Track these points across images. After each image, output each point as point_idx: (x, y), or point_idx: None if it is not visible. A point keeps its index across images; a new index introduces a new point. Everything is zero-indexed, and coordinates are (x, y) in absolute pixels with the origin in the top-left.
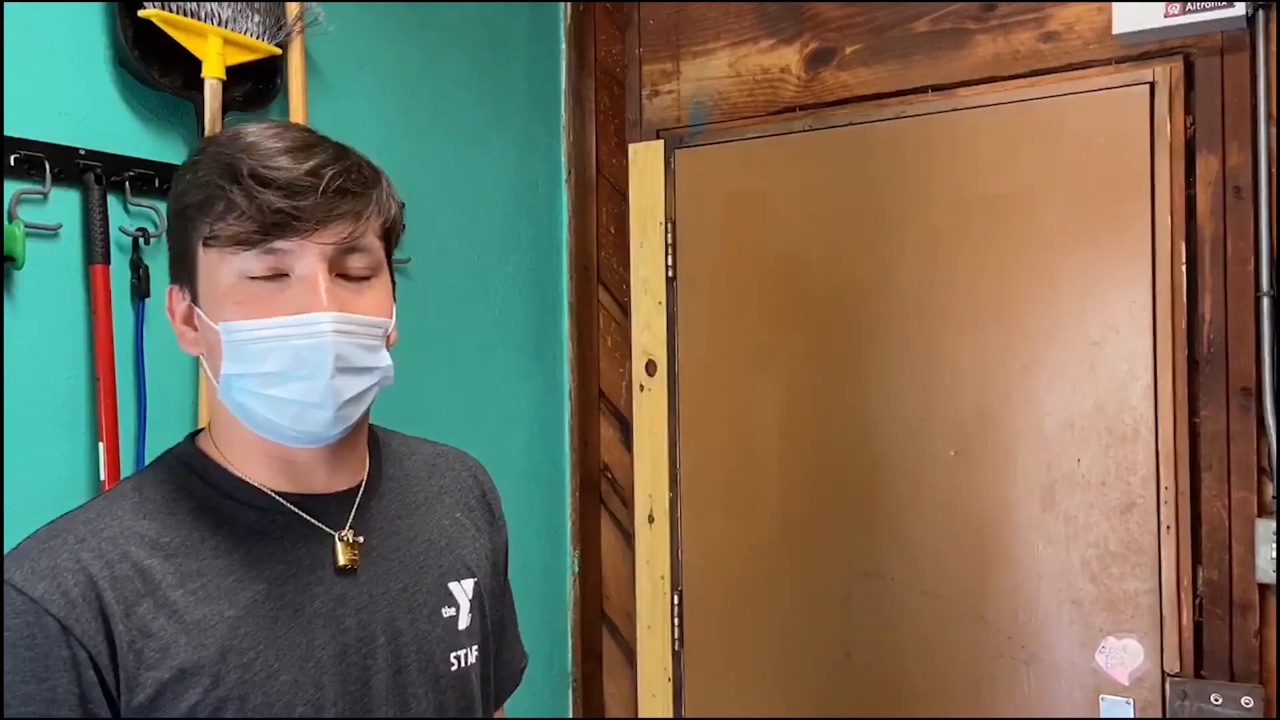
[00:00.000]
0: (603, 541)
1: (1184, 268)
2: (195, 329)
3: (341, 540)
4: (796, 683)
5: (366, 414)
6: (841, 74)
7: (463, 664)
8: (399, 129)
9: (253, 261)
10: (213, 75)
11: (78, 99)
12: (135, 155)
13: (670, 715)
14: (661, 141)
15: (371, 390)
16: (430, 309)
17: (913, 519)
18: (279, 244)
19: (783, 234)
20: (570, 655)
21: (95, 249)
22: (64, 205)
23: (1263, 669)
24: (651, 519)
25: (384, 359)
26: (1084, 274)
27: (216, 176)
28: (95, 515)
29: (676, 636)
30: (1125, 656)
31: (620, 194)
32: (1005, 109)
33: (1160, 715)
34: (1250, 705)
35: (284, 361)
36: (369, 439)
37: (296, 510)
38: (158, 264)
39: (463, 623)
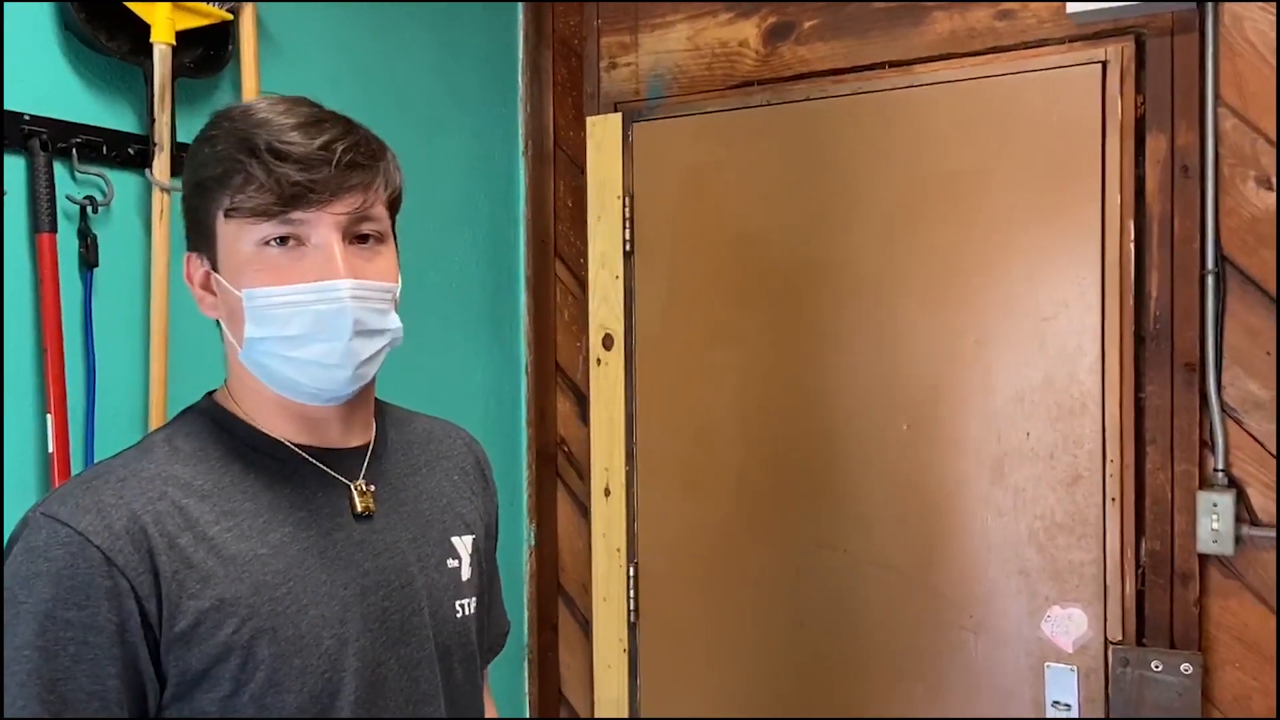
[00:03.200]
0: (559, 515)
1: (1132, 246)
2: (214, 294)
3: (357, 489)
4: (751, 654)
5: (376, 374)
6: (799, 49)
7: (465, 613)
8: (353, 99)
9: (271, 231)
10: (162, 40)
11: (23, 64)
12: (82, 122)
13: (626, 686)
14: (620, 114)
15: (384, 351)
16: None
17: (866, 492)
18: (296, 214)
19: (741, 209)
20: (526, 627)
21: (41, 217)
22: (8, 172)
23: (1202, 636)
24: (608, 492)
25: (394, 321)
26: (1036, 251)
27: (235, 151)
28: (131, 460)
29: (632, 609)
30: (1070, 625)
31: (578, 167)
32: (961, 86)
33: (1103, 682)
34: (1189, 671)
35: (305, 325)
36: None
37: (315, 461)
38: (107, 233)
39: (464, 574)
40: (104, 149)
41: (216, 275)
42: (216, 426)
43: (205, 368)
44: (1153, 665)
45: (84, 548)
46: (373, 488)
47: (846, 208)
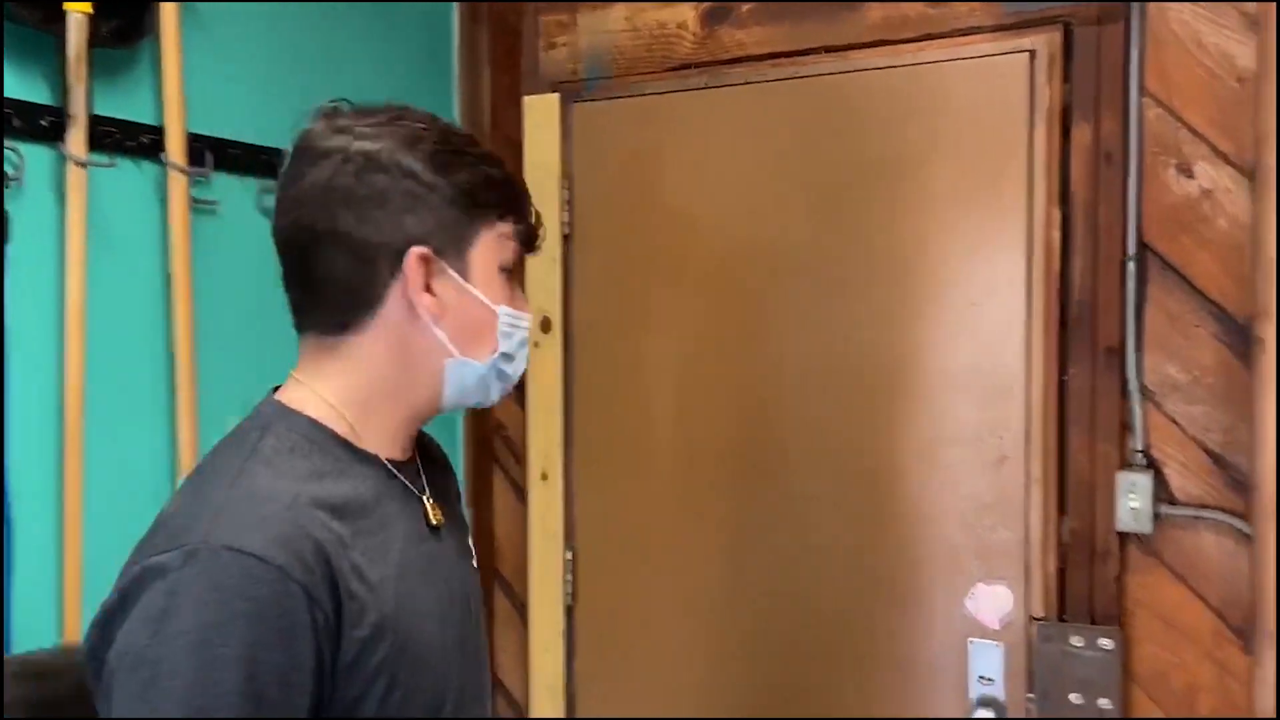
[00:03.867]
0: (495, 499)
1: (1058, 232)
2: (434, 295)
3: (428, 502)
4: (688, 637)
5: None
6: (737, 32)
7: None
8: (282, 72)
9: (514, 260)
10: (77, 8)
11: None
12: None
13: (562, 670)
14: (558, 95)
15: None
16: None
17: (801, 474)
18: (528, 254)
19: (680, 192)
20: None
21: None
22: None
23: (1121, 613)
24: (545, 477)
25: None
26: (967, 237)
27: (507, 179)
28: (269, 477)
29: (569, 593)
30: (995, 602)
31: (515, 147)
32: (895, 73)
33: (1026, 657)
34: (1108, 646)
35: (515, 346)
36: None
37: (399, 475)
38: (19, 209)
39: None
40: (14, 120)
41: (466, 283)
42: (312, 441)
43: (124, 346)
44: (1074, 641)
45: (285, 584)
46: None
47: (784, 192)
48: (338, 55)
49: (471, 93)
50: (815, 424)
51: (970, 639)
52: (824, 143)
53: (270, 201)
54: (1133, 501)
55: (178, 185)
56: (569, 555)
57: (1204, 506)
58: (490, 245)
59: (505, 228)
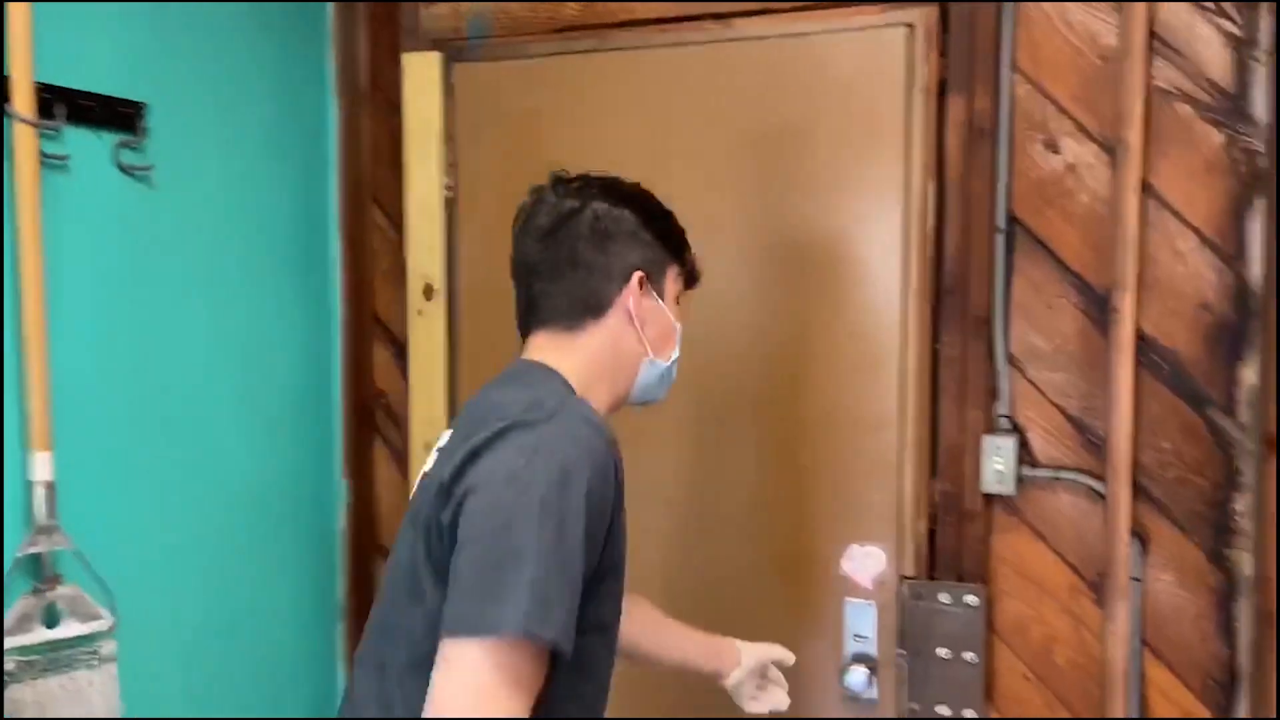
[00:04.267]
0: (377, 471)
1: (933, 205)
2: (642, 308)
3: None
4: None
5: None
6: None
7: None
8: (143, 23)
9: (680, 292)
10: None
11: None
12: None
13: None
14: (439, 53)
15: None
16: (178, 224)
17: (685, 442)
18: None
19: (566, 157)
20: (341, 587)
21: None
22: None
23: (986, 570)
24: (428, 446)
25: None
26: (848, 208)
27: (683, 231)
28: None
29: None
30: (869, 562)
31: (395, 107)
32: (777, 43)
33: (897, 615)
34: (974, 602)
35: (679, 356)
36: None
37: None
38: None
39: None
40: None
41: (661, 303)
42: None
43: (94, 305)
44: (941, 597)
45: (612, 453)
46: None
47: (670, 160)
48: (203, 6)
49: (347, 48)
50: (700, 391)
51: (847, 599)
52: (709, 110)
53: (128, 157)
54: (998, 464)
55: (25, 138)
56: None
57: (1062, 468)
58: (673, 279)
59: (681, 268)
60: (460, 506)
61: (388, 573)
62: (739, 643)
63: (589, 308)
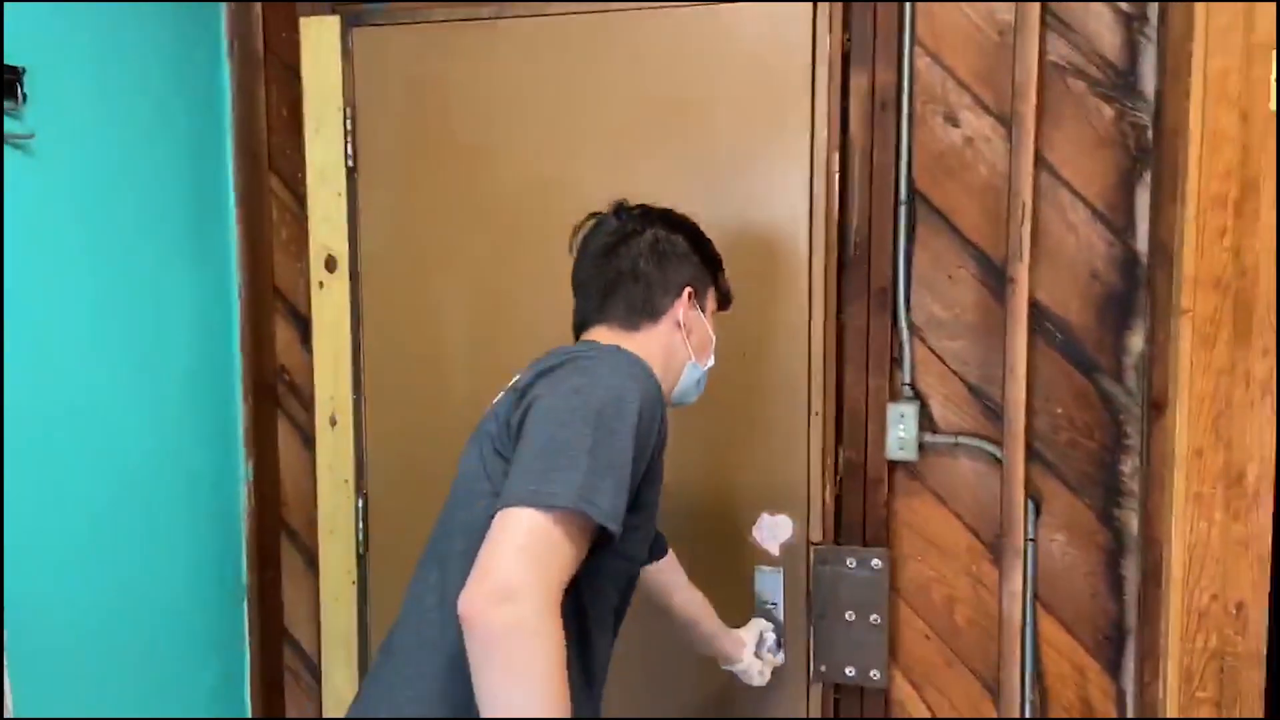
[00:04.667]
0: (280, 447)
1: (837, 177)
2: (690, 318)
3: None
4: None
5: None
6: None
7: None
8: None
9: (715, 309)
10: None
11: None
12: None
13: (355, 618)
14: (337, 17)
15: None
16: (64, 196)
17: None
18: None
19: (470, 125)
20: (245, 565)
21: None
22: None
23: (889, 534)
24: (334, 421)
25: None
26: (755, 181)
27: (720, 257)
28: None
29: (361, 540)
30: (777, 530)
31: (293, 73)
32: (683, 12)
33: (805, 580)
34: (878, 566)
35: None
36: None
37: None
38: None
39: None
40: None
41: (703, 316)
42: None
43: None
44: (848, 562)
45: (659, 389)
46: None
47: (575, 129)
48: None
49: (241, 10)
50: None
51: (756, 565)
52: (614, 80)
53: (8, 125)
54: (901, 431)
55: None
56: (360, 502)
57: (962, 434)
58: (711, 297)
59: (718, 290)
60: (527, 410)
61: (451, 492)
62: (737, 631)
63: (646, 313)
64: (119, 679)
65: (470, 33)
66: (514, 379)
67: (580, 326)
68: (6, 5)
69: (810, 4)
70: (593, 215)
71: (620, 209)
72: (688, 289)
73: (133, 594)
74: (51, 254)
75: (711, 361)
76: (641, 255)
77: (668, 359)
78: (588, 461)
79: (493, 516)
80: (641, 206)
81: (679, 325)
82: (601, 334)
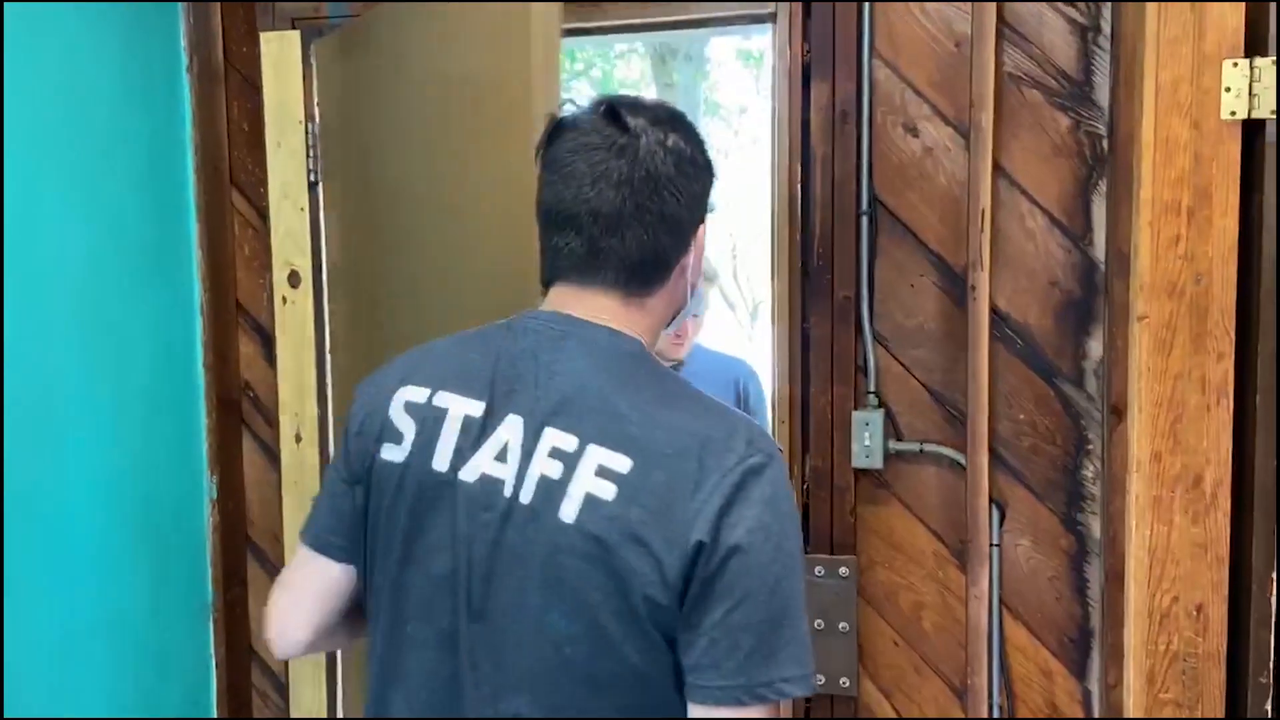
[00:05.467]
0: (245, 464)
1: (800, 186)
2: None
3: None
4: None
5: None
6: None
7: None
8: None
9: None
10: None
11: None
12: None
13: None
14: (298, 32)
15: None
16: (20, 212)
17: None
18: None
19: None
20: (210, 584)
21: None
22: None
23: (856, 542)
24: (299, 438)
25: None
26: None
27: None
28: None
29: None
30: None
31: (254, 87)
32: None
33: None
34: (846, 573)
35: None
36: None
37: None
38: None
39: None
40: None
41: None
42: None
43: None
44: (815, 571)
45: None
46: None
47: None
48: None
49: (201, 25)
50: None
51: None
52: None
53: None
54: (867, 439)
55: None
56: None
57: (926, 441)
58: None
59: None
60: (722, 565)
61: (527, 597)
62: None
63: (661, 270)
64: (81, 698)
65: None
66: (548, 433)
67: (565, 278)
68: None
69: (771, 18)
70: (590, 122)
71: (612, 110)
72: (703, 226)
73: (96, 612)
74: (11, 271)
75: (701, 285)
76: (666, 188)
77: (668, 314)
78: (803, 624)
79: (640, 686)
80: (639, 101)
81: (685, 271)
82: (611, 301)
